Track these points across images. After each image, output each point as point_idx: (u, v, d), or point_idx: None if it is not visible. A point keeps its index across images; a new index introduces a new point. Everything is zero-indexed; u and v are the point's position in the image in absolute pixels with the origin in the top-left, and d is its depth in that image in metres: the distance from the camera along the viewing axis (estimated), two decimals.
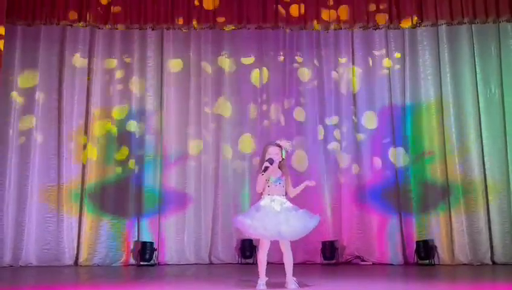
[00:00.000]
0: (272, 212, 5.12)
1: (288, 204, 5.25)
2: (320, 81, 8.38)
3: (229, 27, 8.15)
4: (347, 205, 8.14)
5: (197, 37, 8.41)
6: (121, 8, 8.03)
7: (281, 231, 5.06)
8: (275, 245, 5.38)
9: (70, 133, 8.14)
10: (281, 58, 8.44)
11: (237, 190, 8.20)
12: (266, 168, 5.15)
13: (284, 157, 5.30)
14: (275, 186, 5.25)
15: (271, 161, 5.18)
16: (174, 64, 8.42)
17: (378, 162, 8.19)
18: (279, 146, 5.31)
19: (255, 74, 8.45)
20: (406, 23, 8.11)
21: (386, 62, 8.36)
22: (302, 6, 8.06)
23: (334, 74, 8.40)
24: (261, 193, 5.29)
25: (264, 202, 5.21)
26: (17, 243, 7.79)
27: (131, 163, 8.15)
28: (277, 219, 5.08)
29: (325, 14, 8.13)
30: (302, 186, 5.39)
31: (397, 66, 8.32)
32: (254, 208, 5.23)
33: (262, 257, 5.24)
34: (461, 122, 8.07)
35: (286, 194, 5.33)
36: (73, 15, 7.96)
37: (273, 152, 5.26)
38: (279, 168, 5.30)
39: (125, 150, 8.19)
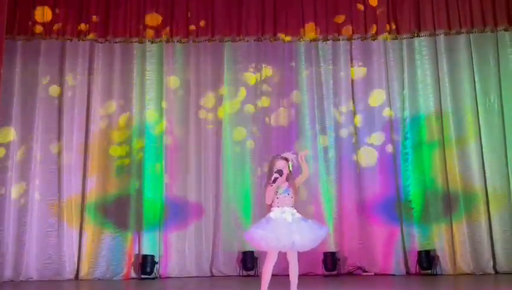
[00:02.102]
0: (283, 223, 5.12)
1: (298, 215, 5.25)
2: (320, 92, 8.39)
3: (228, 39, 8.19)
4: (348, 216, 8.11)
5: (196, 50, 8.43)
6: (120, 22, 8.07)
7: (295, 241, 5.06)
8: (279, 256, 5.36)
9: (71, 146, 8.14)
10: (280, 69, 8.46)
11: (238, 202, 8.18)
12: (275, 179, 5.16)
13: (291, 170, 5.32)
14: (284, 197, 5.25)
15: (280, 173, 5.19)
16: (173, 77, 8.44)
17: (378, 172, 8.17)
18: (286, 159, 5.33)
19: (254, 85, 8.46)
20: (404, 34, 8.15)
21: (385, 72, 8.37)
22: (301, 17, 8.10)
23: (333, 85, 8.41)
24: (270, 205, 5.28)
25: (275, 214, 5.20)
26: (17, 257, 7.76)
27: (132, 176, 8.14)
28: (290, 229, 5.08)
29: (323, 25, 8.18)
30: (304, 164, 5.32)
31: (396, 76, 8.34)
32: (265, 220, 5.21)
33: (269, 269, 5.21)
34: (461, 132, 8.07)
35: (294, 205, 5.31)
36: (72, 29, 8.01)
37: (280, 165, 5.27)
38: (286, 180, 5.31)
39: (125, 164, 8.18)
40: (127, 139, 8.25)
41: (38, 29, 8.08)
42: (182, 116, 8.38)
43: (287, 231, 5.05)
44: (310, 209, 7.94)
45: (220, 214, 8.15)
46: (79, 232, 7.97)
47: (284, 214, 5.16)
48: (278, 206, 5.21)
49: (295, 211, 5.24)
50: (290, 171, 5.30)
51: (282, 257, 5.28)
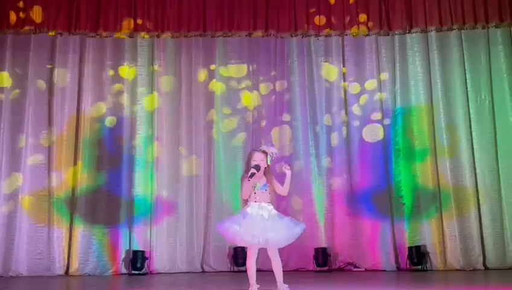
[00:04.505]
0: (259, 220, 5.08)
1: (275, 212, 5.22)
2: (311, 88, 8.39)
3: (220, 34, 8.18)
4: (339, 212, 8.13)
5: (188, 45, 8.40)
6: (111, 16, 8.03)
7: (268, 238, 5.03)
8: (264, 253, 5.36)
9: (61, 141, 8.09)
10: (272, 65, 8.44)
11: (229, 197, 8.16)
12: (253, 175, 5.10)
13: (269, 163, 5.25)
14: (262, 193, 5.20)
15: (258, 168, 5.14)
16: (165, 73, 8.40)
17: (369, 168, 8.18)
18: (265, 152, 5.27)
19: (246, 81, 8.44)
20: (396, 30, 8.17)
21: (377, 68, 8.37)
22: (293, 13, 8.10)
23: (325, 81, 8.41)
24: (246, 200, 5.24)
25: (251, 209, 5.16)
26: (7, 253, 7.70)
27: (123, 172, 8.09)
28: (264, 226, 5.05)
29: (315, 21, 8.18)
30: (287, 179, 5.26)
31: (387, 73, 8.34)
32: (241, 215, 5.17)
33: (251, 264, 5.19)
34: (452, 128, 8.10)
35: (271, 201, 5.27)
36: (63, 23, 7.97)
37: (258, 158, 5.21)
38: (264, 174, 5.26)
39: (116, 159, 8.14)
40: (117, 134, 8.20)
41: (29, 23, 8.01)
42: (173, 111, 8.34)
43: (261, 228, 5.02)
44: (301, 205, 7.95)
45: (211, 210, 8.12)
46: (69, 227, 7.92)
47: (261, 210, 5.13)
48: (255, 201, 5.17)
49: (272, 207, 5.20)
50: (268, 165, 5.24)
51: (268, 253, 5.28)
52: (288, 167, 5.28)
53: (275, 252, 5.22)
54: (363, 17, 8.19)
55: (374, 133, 8.25)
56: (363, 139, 8.26)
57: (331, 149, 8.27)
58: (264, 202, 5.17)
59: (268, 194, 5.21)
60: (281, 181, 5.27)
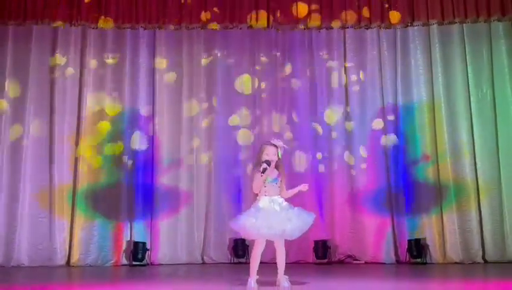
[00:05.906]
0: (272, 213, 5.15)
1: (285, 203, 5.29)
2: (312, 81, 8.38)
3: (221, 27, 8.16)
4: (340, 205, 8.14)
5: (189, 37, 8.40)
6: (113, 7, 8.01)
7: (286, 229, 5.11)
8: (267, 244, 5.39)
9: (62, 133, 8.10)
10: (273, 58, 8.44)
11: (230, 189, 8.19)
12: (265, 170, 5.18)
13: (280, 157, 5.33)
14: (272, 186, 5.29)
15: (269, 163, 5.21)
16: (166, 64, 8.40)
17: (370, 161, 8.19)
18: (275, 146, 5.33)
19: (247, 74, 8.44)
20: (397, 23, 8.14)
21: (378, 62, 8.35)
22: (294, 5, 8.07)
23: (326, 74, 8.40)
24: (257, 193, 5.30)
25: (263, 203, 5.23)
26: (8, 243, 7.75)
27: (124, 163, 8.12)
28: (280, 218, 5.13)
29: (316, 14, 8.15)
30: (295, 190, 5.42)
31: (389, 66, 8.33)
32: (254, 209, 5.24)
33: (256, 255, 5.26)
34: (453, 122, 8.09)
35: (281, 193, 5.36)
36: (64, 14, 7.94)
37: (270, 152, 5.28)
38: (275, 168, 5.32)
39: (117, 150, 8.16)
40: (118, 127, 8.22)
41: (30, 14, 7.98)
42: (174, 103, 8.35)
43: (278, 220, 5.10)
44: (301, 197, 7.95)
45: (211, 201, 8.16)
46: (70, 218, 7.95)
47: (272, 203, 5.20)
48: (266, 195, 5.23)
49: (282, 199, 5.28)
50: (279, 159, 5.31)
51: (271, 244, 5.31)
52: (306, 185, 5.40)
53: (281, 243, 5.28)
54: (365, 10, 8.15)
55: (374, 127, 8.25)
56: (364, 133, 8.26)
57: (331, 142, 8.27)
58: (275, 195, 5.25)
59: (278, 187, 5.30)
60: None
